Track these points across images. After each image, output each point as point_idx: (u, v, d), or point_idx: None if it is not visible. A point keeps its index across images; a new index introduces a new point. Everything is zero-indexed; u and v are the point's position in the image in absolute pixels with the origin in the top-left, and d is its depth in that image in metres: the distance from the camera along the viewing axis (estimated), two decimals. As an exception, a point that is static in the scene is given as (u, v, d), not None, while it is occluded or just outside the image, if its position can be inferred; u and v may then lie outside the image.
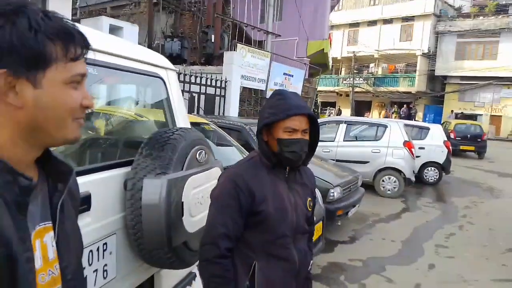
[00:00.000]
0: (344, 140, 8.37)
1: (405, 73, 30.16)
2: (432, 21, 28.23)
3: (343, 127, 8.54)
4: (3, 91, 0.72)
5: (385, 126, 8.33)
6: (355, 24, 31.99)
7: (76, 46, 0.78)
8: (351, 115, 25.59)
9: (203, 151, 2.15)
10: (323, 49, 13.72)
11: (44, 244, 0.83)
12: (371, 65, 31.95)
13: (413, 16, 28.74)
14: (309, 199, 1.71)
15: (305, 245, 1.70)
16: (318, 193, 4.11)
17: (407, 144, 7.99)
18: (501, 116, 26.70)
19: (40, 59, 0.73)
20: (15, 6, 0.72)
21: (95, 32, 1.77)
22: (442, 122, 18.56)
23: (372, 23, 30.86)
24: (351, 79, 30.20)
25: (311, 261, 1.78)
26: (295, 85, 11.06)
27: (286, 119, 1.55)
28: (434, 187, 9.49)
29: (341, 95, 32.68)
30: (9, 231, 0.72)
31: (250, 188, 1.54)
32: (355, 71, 30.55)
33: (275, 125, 1.57)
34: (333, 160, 7.20)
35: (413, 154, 8.16)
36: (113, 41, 1.98)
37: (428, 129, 9.99)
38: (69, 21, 0.78)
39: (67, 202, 0.91)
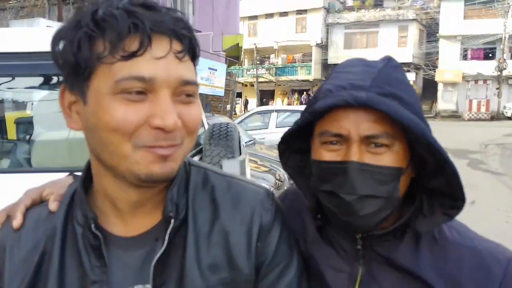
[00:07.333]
0: (276, 127, 9.26)
1: (302, 62, 32.65)
2: (323, 13, 30.94)
3: (274, 115, 9.44)
4: (68, 113, 0.61)
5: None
6: (254, 17, 33.41)
7: (126, 38, 0.55)
8: (257, 105, 27.04)
9: (243, 138, 2.74)
10: (238, 43, 14.48)
11: None
12: (272, 56, 33.84)
13: (306, 10, 31.15)
14: None
15: None
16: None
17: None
18: (384, 97, 30.64)
19: (81, 66, 0.56)
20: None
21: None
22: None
23: (269, 15, 32.61)
24: (255, 69, 31.65)
25: None
26: (219, 79, 11.63)
27: (323, 119, 0.73)
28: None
29: (246, 85, 33.96)
30: (52, 272, 0.64)
31: None
32: (257, 62, 32.06)
33: (314, 130, 0.77)
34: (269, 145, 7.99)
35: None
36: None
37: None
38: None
39: (176, 266, 0.65)
